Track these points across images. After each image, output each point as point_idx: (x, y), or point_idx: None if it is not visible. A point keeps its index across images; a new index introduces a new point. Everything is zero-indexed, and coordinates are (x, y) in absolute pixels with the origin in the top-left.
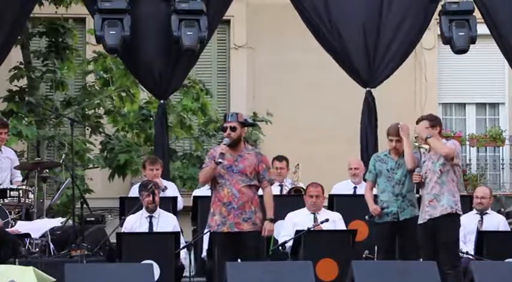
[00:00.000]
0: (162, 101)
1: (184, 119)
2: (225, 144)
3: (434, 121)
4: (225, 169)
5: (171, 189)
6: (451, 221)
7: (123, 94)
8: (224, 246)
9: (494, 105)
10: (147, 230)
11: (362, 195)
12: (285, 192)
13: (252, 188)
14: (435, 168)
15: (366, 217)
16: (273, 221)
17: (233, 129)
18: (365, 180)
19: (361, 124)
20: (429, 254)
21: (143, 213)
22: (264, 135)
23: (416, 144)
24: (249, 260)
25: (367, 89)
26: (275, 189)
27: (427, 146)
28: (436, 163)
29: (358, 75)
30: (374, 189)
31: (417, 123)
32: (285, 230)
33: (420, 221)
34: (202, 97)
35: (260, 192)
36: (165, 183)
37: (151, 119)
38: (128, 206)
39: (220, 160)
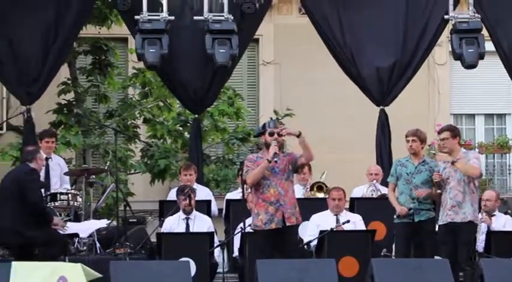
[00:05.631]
0: (196, 116)
1: (219, 123)
2: (275, 146)
3: (454, 131)
4: (269, 171)
5: (205, 194)
6: (470, 226)
7: (161, 104)
8: (266, 244)
9: (501, 116)
10: (184, 231)
11: (380, 199)
12: (307, 191)
13: (291, 183)
14: (458, 177)
15: (395, 216)
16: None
17: (280, 134)
18: (387, 183)
19: (376, 138)
20: (449, 253)
21: (180, 215)
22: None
23: (432, 151)
24: (292, 253)
25: (381, 107)
26: (299, 192)
27: (443, 155)
28: (458, 172)
29: (371, 96)
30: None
31: (439, 133)
32: (310, 230)
33: (441, 222)
34: (236, 101)
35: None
36: (200, 188)
37: (188, 124)
38: (166, 208)
39: (276, 159)
